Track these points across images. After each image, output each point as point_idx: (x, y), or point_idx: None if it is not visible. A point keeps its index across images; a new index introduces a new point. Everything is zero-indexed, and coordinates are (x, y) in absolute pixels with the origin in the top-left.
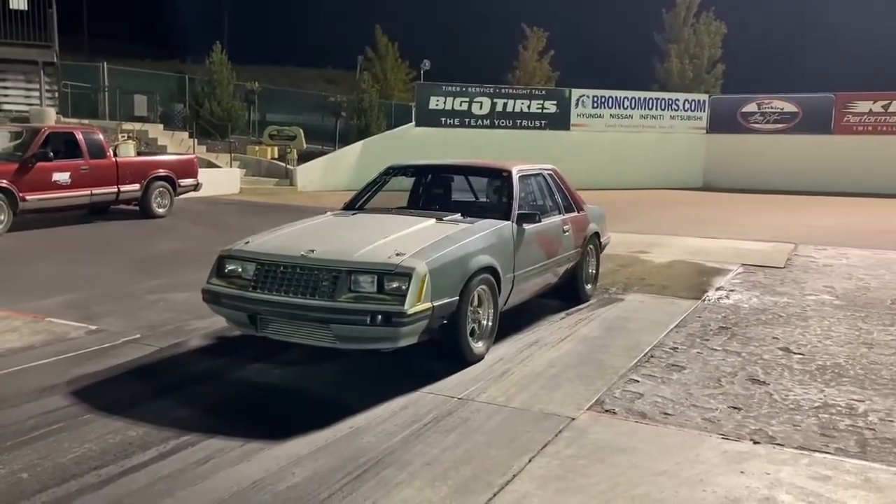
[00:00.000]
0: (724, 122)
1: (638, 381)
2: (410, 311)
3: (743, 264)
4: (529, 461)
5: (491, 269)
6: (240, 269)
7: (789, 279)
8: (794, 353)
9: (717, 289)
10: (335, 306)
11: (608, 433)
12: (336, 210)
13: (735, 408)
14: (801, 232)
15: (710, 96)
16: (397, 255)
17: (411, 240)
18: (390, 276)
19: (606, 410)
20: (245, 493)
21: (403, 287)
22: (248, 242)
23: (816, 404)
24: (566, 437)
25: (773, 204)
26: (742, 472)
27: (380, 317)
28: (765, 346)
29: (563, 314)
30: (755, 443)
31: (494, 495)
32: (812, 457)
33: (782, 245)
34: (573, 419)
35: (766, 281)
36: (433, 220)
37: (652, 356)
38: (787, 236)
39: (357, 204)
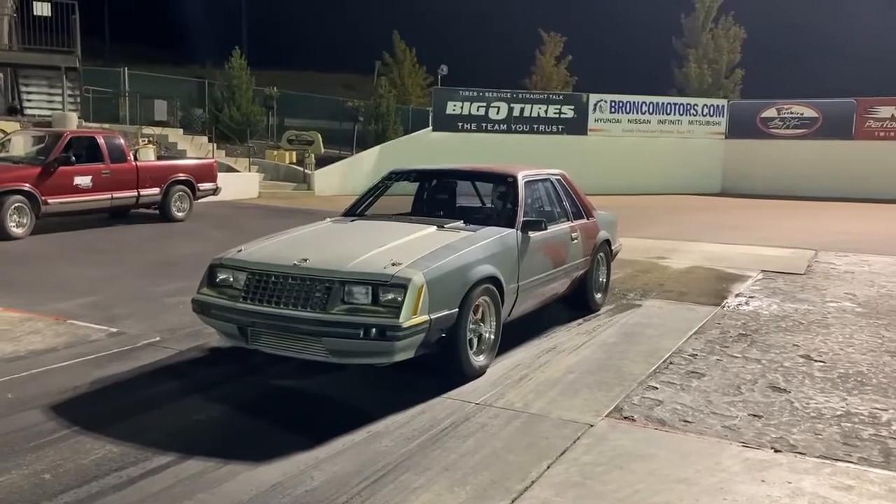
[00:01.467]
0: (743, 127)
1: (657, 388)
2: (406, 325)
3: (763, 270)
4: (548, 467)
5: (493, 279)
6: (231, 279)
7: (810, 286)
8: (816, 361)
9: (737, 295)
10: (327, 319)
11: (627, 440)
12: (336, 216)
13: (755, 415)
14: (822, 238)
15: (728, 101)
16: (393, 264)
17: (409, 249)
18: (385, 288)
19: (625, 417)
20: (264, 497)
21: (399, 299)
22: (240, 250)
23: (839, 413)
24: (585, 444)
25: (793, 210)
26: (763, 481)
27: (374, 330)
28: (785, 353)
29: (580, 320)
30: (776, 451)
31: (513, 501)
32: (835, 466)
33: (802, 251)
34: (592, 426)
35: (786, 287)
36: (434, 228)
37: (671, 363)
38: (807, 242)
39: (357, 210)
